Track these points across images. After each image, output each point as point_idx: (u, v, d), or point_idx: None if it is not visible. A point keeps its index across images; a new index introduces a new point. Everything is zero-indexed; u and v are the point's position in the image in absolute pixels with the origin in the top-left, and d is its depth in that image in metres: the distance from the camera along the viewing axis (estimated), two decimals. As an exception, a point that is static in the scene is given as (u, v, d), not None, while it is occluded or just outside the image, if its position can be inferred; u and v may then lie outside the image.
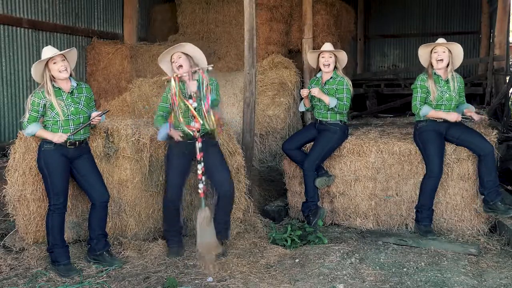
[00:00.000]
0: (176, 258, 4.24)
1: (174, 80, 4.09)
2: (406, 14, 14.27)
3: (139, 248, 4.39)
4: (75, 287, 3.72)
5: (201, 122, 4.09)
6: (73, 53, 4.08)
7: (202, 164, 4.11)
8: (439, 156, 4.60)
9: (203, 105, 4.10)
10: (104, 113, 4.13)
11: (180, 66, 4.19)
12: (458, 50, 4.68)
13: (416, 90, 4.69)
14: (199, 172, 4.11)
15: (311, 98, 5.10)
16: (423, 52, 4.78)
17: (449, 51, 4.64)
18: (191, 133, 4.13)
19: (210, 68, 4.22)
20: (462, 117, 4.68)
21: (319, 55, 5.09)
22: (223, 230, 4.33)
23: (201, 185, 4.12)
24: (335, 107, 4.91)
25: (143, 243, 4.47)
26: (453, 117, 4.60)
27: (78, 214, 4.44)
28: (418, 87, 4.67)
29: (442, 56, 4.62)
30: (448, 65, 4.65)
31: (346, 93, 4.97)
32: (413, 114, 4.83)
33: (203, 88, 4.08)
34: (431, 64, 4.69)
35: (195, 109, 4.11)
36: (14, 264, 4.08)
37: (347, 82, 5.02)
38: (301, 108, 5.34)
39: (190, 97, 4.12)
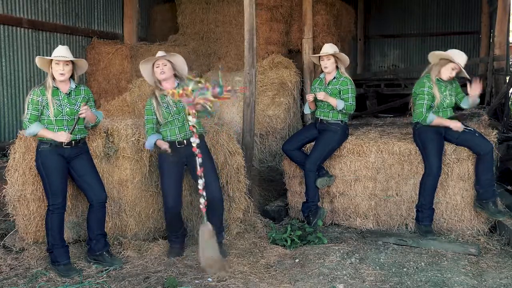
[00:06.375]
0: (176, 258, 4.23)
1: (173, 95, 4.02)
2: (406, 14, 14.26)
3: (139, 248, 4.39)
4: (75, 287, 3.72)
5: (197, 140, 4.01)
6: (82, 63, 4.09)
7: (203, 179, 4.00)
8: (438, 155, 4.59)
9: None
10: (87, 104, 3.96)
11: (163, 72, 4.17)
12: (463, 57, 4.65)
13: (422, 97, 4.63)
14: (200, 187, 3.99)
15: (315, 99, 5.07)
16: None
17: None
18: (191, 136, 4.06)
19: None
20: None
21: (320, 57, 5.09)
22: (218, 233, 4.31)
23: (202, 200, 4.00)
24: (343, 109, 4.90)
25: (143, 243, 4.47)
26: (457, 126, 4.62)
27: (78, 214, 4.44)
28: (426, 94, 4.62)
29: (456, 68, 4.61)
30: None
31: (351, 93, 4.95)
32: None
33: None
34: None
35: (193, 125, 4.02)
36: (14, 264, 4.09)
37: (351, 82, 4.99)
38: (306, 110, 5.33)
39: (189, 113, 4.00)
